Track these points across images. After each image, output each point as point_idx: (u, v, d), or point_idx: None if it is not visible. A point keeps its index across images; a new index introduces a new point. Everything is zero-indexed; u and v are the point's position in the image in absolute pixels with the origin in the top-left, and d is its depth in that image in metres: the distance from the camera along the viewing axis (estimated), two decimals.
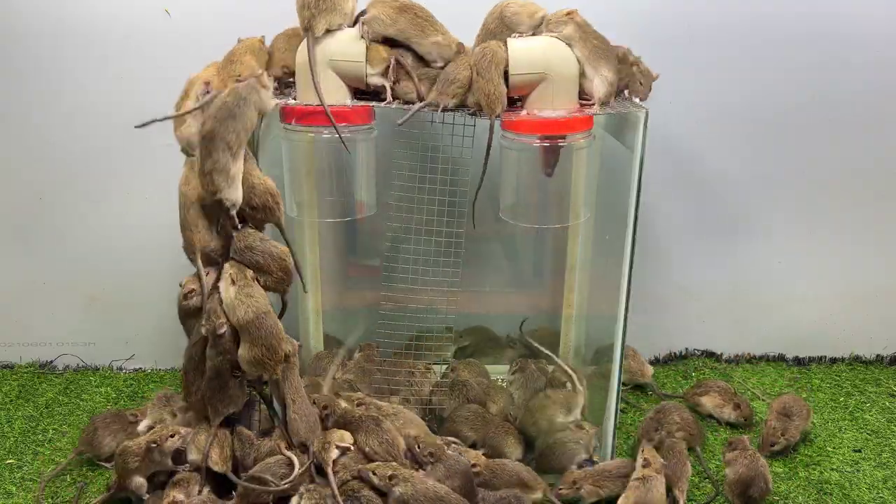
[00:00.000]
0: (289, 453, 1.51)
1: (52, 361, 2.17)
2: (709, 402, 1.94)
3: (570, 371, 1.82)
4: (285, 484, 1.47)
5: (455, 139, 1.58)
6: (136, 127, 1.45)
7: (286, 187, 1.72)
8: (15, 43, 1.91)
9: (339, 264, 2.07)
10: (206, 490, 1.51)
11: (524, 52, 1.52)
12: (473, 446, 1.69)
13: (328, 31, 1.54)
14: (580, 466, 1.66)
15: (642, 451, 1.62)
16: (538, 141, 1.58)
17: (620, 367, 1.67)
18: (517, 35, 1.55)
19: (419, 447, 1.56)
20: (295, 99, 1.58)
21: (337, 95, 1.55)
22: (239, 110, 1.42)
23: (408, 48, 1.57)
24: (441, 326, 1.79)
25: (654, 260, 2.10)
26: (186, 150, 1.55)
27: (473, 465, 1.56)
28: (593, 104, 1.54)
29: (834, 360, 2.23)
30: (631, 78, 1.65)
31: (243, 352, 1.48)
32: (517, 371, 1.92)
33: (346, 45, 1.54)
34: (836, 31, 1.93)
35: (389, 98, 1.56)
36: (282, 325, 1.51)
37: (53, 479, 1.70)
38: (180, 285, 1.54)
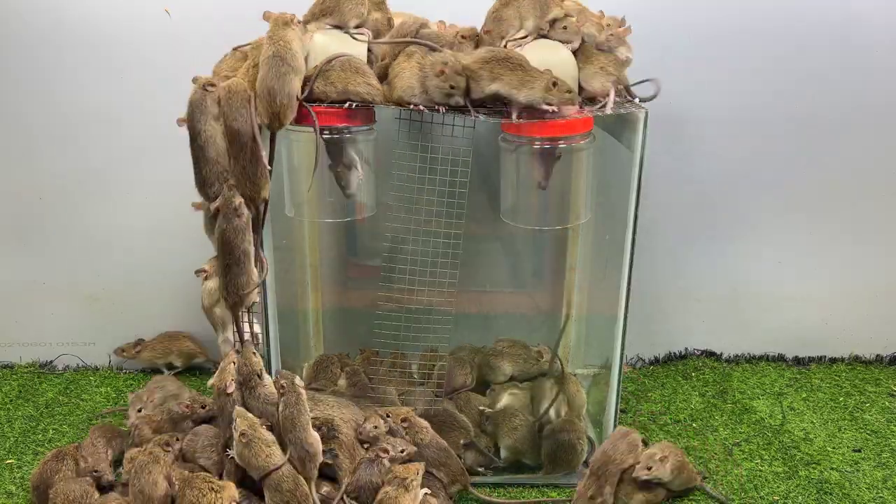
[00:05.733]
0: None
1: (52, 361, 2.17)
2: None
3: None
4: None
5: (454, 140, 1.58)
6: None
7: (286, 187, 1.72)
8: (14, 43, 1.91)
9: (339, 264, 2.07)
10: None
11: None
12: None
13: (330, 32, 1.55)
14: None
15: None
16: (538, 143, 1.58)
17: (621, 367, 1.67)
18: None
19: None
20: None
21: None
22: None
23: None
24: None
25: (654, 260, 2.09)
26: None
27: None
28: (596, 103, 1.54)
29: (834, 360, 2.22)
30: None
31: None
32: None
33: (347, 46, 1.54)
34: (837, 31, 1.93)
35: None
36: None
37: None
38: None
